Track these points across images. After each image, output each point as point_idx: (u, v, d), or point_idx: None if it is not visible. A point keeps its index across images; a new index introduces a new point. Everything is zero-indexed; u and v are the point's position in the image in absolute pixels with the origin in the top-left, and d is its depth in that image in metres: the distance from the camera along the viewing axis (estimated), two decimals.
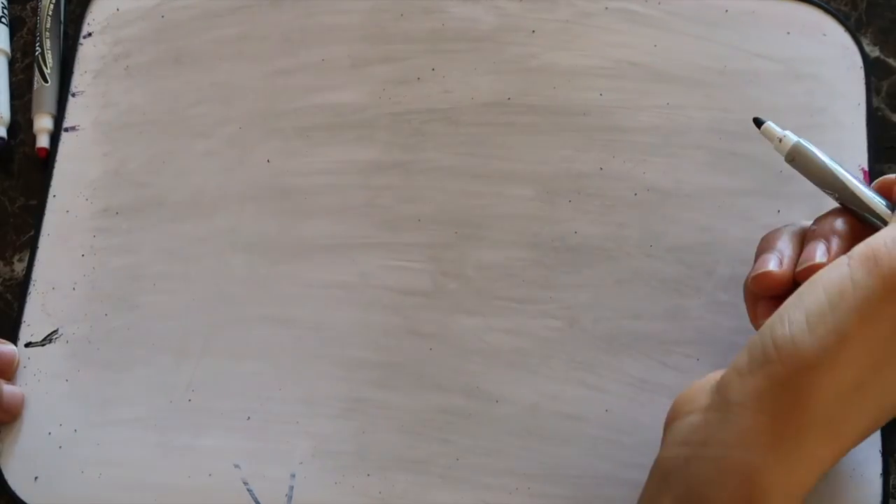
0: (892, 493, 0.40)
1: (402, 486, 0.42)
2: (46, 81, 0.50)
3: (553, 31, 0.47)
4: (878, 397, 0.33)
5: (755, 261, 0.38)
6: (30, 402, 0.45)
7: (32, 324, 0.46)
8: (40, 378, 0.45)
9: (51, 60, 0.50)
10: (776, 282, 0.37)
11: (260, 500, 0.42)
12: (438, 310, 0.44)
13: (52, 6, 0.51)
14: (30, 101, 0.50)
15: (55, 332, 0.46)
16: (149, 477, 0.43)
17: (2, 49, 0.51)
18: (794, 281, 0.36)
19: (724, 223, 0.44)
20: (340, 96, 0.48)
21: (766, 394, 0.32)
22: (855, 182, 0.37)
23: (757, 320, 0.38)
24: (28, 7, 0.53)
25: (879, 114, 0.46)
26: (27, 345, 0.46)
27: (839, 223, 0.37)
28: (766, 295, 0.37)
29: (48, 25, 0.51)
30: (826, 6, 0.46)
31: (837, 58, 0.46)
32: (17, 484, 0.44)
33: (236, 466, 0.43)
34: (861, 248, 0.33)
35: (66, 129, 0.49)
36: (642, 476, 0.36)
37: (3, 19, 0.52)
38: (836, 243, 0.36)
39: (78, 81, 0.50)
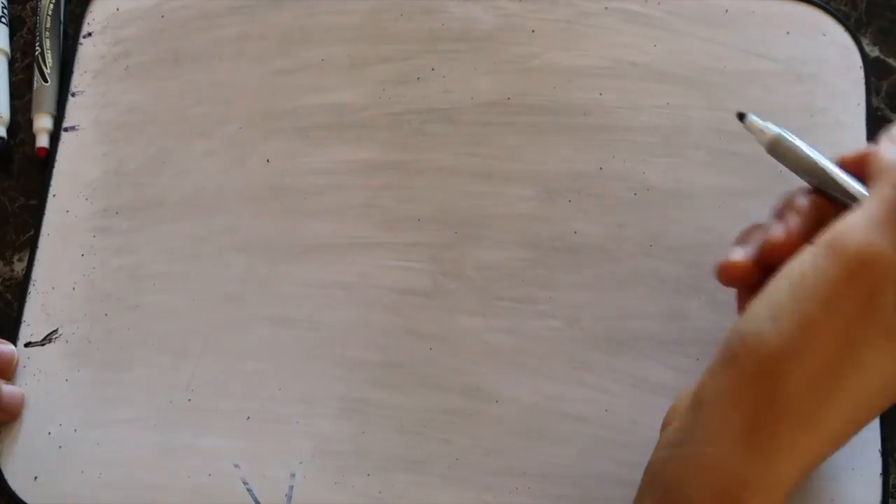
0: (892, 492, 0.40)
1: (402, 485, 0.42)
2: (46, 81, 0.50)
3: (553, 31, 0.47)
4: (854, 382, 0.32)
5: None
6: (30, 401, 0.45)
7: (32, 323, 0.46)
8: (40, 378, 0.45)
9: (50, 60, 0.50)
10: (738, 270, 0.36)
11: (260, 499, 0.42)
12: (438, 310, 0.44)
13: (51, 6, 0.51)
14: (29, 101, 0.50)
15: (55, 331, 0.46)
16: (148, 477, 0.43)
17: (2, 49, 0.51)
18: (764, 268, 0.36)
19: (724, 223, 0.44)
20: (340, 96, 0.48)
21: (736, 389, 0.32)
22: (833, 168, 0.37)
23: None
24: (28, 7, 0.53)
25: (879, 114, 0.46)
26: (27, 344, 0.46)
27: (801, 200, 0.37)
28: (734, 285, 0.37)
29: (48, 25, 0.51)
30: (826, 6, 0.46)
31: (837, 58, 0.46)
32: (16, 483, 0.44)
33: (236, 466, 0.43)
34: (824, 234, 0.33)
35: (66, 129, 0.49)
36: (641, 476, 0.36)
37: (2, 19, 0.52)
38: (793, 220, 0.36)
39: (78, 81, 0.50)
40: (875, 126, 0.45)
